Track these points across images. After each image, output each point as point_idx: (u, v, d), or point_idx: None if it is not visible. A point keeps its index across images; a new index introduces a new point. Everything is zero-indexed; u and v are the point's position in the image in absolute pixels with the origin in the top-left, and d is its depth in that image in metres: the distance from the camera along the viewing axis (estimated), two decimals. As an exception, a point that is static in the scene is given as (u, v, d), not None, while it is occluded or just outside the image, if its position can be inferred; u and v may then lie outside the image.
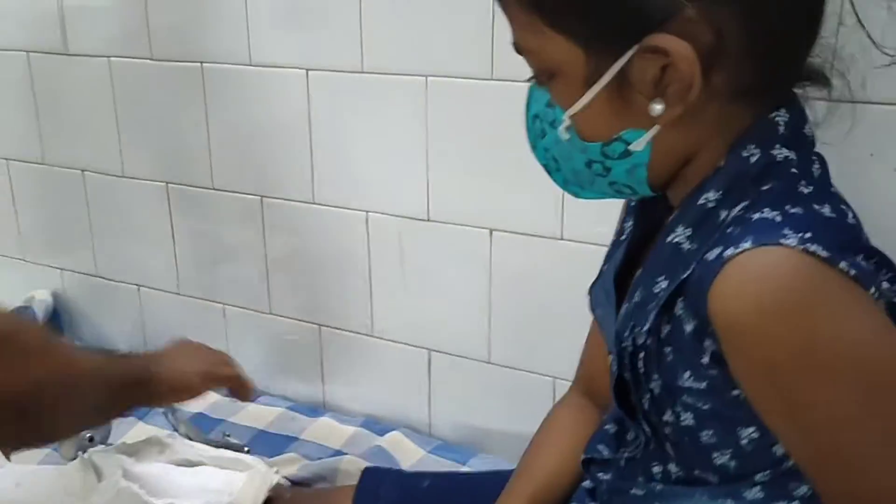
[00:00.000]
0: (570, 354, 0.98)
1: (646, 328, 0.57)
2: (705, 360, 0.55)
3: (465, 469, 1.04)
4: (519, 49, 0.59)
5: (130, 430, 1.15)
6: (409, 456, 1.07)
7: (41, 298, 1.41)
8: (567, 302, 0.98)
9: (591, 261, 0.91)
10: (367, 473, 0.86)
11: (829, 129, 0.60)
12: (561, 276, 0.97)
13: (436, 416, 1.13)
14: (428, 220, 1.04)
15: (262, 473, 0.89)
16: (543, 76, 0.59)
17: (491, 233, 1.01)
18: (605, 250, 0.82)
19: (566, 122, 0.58)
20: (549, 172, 0.64)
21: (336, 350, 1.18)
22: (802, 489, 0.59)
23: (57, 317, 1.43)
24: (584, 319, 0.83)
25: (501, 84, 0.94)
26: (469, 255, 1.03)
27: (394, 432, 1.11)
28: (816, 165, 0.57)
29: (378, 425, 1.15)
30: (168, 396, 0.87)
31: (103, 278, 1.38)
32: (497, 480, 0.83)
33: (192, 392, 0.89)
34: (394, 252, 1.08)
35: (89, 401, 0.72)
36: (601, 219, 0.76)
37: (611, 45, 0.54)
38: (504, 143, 0.95)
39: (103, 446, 1.01)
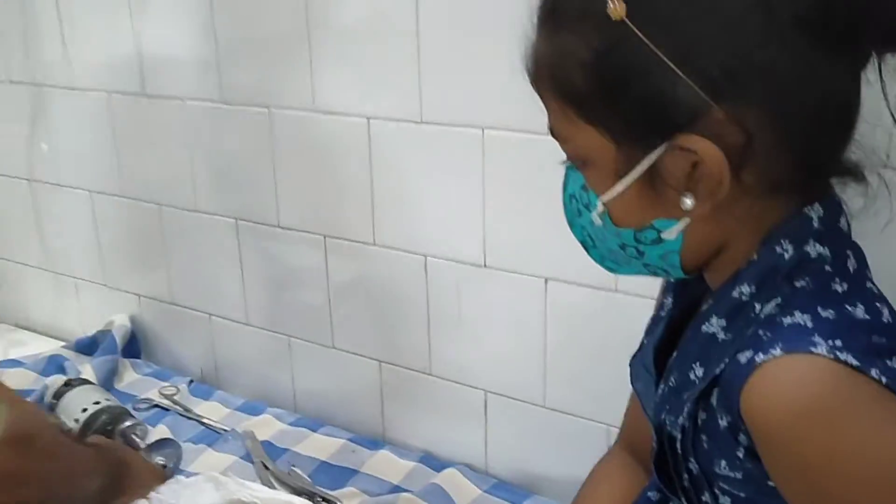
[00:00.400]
0: (621, 402, 1.00)
1: (681, 419, 0.59)
2: (740, 453, 0.56)
3: (519, 510, 1.06)
4: (554, 134, 0.61)
5: (200, 456, 1.21)
6: (465, 494, 1.10)
7: (120, 323, 1.49)
8: (620, 351, 0.99)
9: (643, 312, 0.92)
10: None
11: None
12: (614, 326, 0.98)
13: (492, 455, 1.15)
14: (484, 267, 1.07)
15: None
16: (577, 162, 0.60)
17: (546, 282, 1.02)
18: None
19: (599, 207, 0.60)
20: (586, 249, 0.66)
21: (395, 386, 1.22)
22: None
23: (134, 339, 1.51)
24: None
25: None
26: (524, 302, 1.05)
27: (451, 469, 1.14)
28: (852, 260, 0.57)
29: (435, 461, 1.18)
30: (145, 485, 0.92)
31: (178, 305, 1.44)
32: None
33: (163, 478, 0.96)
34: (451, 295, 1.11)
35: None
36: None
37: (641, 141, 0.55)
38: (559, 195, 0.98)
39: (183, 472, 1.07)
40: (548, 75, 0.58)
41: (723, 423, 0.56)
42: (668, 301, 0.70)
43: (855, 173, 0.57)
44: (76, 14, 1.37)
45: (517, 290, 1.05)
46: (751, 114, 0.52)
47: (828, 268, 0.56)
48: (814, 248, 0.56)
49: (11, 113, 1.51)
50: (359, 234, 1.17)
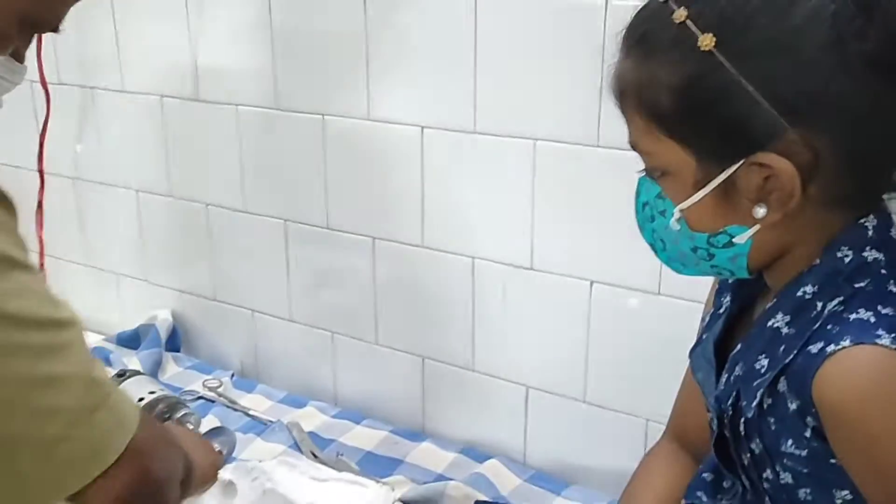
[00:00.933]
0: (662, 399, 1.06)
1: (754, 403, 0.66)
2: (807, 434, 0.63)
3: (559, 501, 1.13)
4: (635, 148, 0.68)
5: (249, 445, 1.27)
6: (507, 483, 1.16)
7: (163, 317, 1.55)
8: (661, 351, 1.06)
9: (685, 315, 1.00)
10: (479, 504, 0.96)
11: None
12: (656, 328, 1.06)
13: (531, 448, 1.22)
14: (531, 269, 1.14)
15: (386, 489, 0.99)
16: (656, 173, 0.68)
17: (591, 284, 1.09)
18: (698, 306, 0.90)
19: (676, 214, 0.67)
20: (655, 251, 0.73)
21: (437, 381, 1.29)
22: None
23: (176, 334, 1.57)
24: (676, 368, 0.92)
25: (606, 151, 1.03)
26: (569, 303, 1.12)
27: (492, 460, 1.21)
28: None
29: (476, 452, 1.25)
30: (194, 490, 0.95)
31: (220, 301, 1.50)
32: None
33: (205, 484, 1.01)
34: (497, 295, 1.18)
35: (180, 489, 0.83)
36: (697, 278, 0.84)
37: (720, 157, 0.63)
38: (606, 203, 1.05)
39: (234, 460, 1.13)
40: (635, 95, 0.65)
41: (792, 406, 0.63)
42: (726, 299, 0.78)
43: None
44: (131, 17, 1.43)
45: (563, 292, 1.12)
46: (821, 137, 0.60)
47: (883, 271, 0.63)
48: (870, 254, 0.64)
49: (60, 113, 1.56)
50: (407, 236, 1.24)
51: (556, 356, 1.16)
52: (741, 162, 0.62)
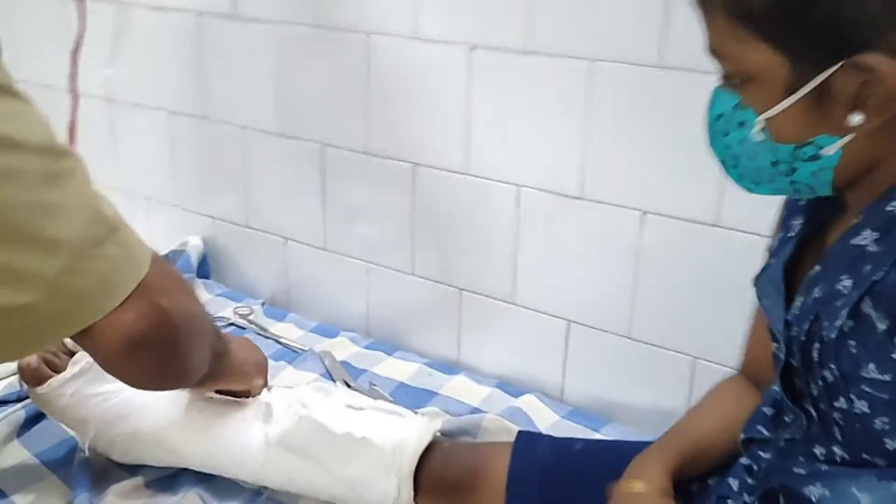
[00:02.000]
0: (713, 337, 1.03)
1: (837, 324, 0.62)
2: (895, 355, 0.59)
3: (598, 436, 1.10)
4: (714, 53, 0.63)
5: (281, 373, 1.24)
6: (544, 419, 1.13)
7: (194, 244, 1.52)
8: (715, 287, 1.02)
9: (743, 249, 0.95)
10: (522, 435, 0.92)
11: None
12: (712, 262, 1.01)
13: (569, 384, 1.19)
14: (580, 199, 1.09)
15: (427, 420, 0.96)
16: (737, 80, 0.62)
17: (643, 214, 1.05)
18: (757, 240, 0.85)
19: (761, 124, 0.62)
20: (725, 168, 0.68)
21: (474, 314, 1.25)
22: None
23: (206, 262, 1.54)
24: (729, 305, 0.88)
25: (669, 72, 0.97)
26: (619, 235, 1.07)
27: (528, 395, 1.18)
28: None
29: (511, 387, 1.22)
30: (229, 377, 0.95)
31: (252, 228, 1.47)
32: (642, 447, 0.88)
33: (247, 379, 0.99)
34: (542, 225, 1.13)
35: (207, 350, 0.81)
36: (761, 209, 0.79)
37: (818, 58, 0.57)
38: (667, 128, 1.00)
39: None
40: None
41: (881, 326, 0.59)
42: (797, 222, 0.73)
43: None
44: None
45: (613, 222, 1.07)
46: None
47: None
48: None
49: (93, 31, 1.52)
50: (450, 162, 1.19)
51: (601, 290, 1.12)
52: (840, 63, 0.56)
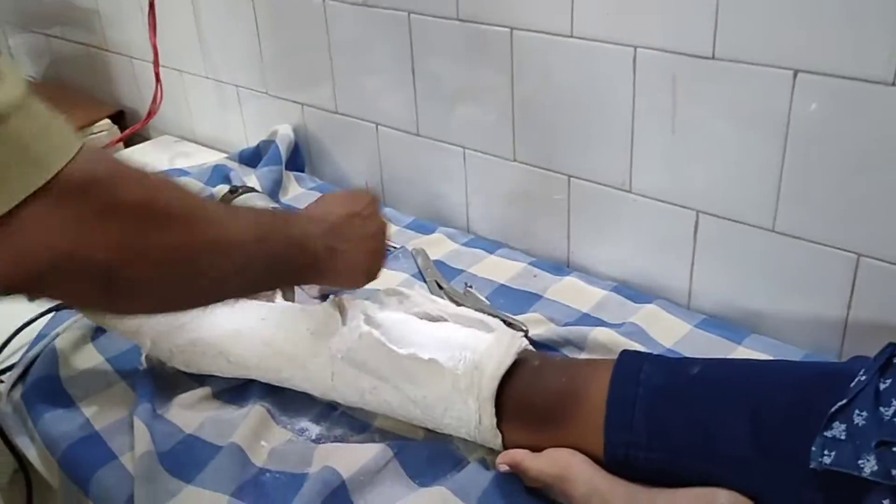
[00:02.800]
0: (881, 228, 0.81)
1: None
2: None
3: (740, 351, 0.91)
4: None
5: (370, 273, 1.12)
6: (671, 332, 0.95)
7: (283, 133, 1.40)
8: (887, 164, 0.79)
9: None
10: (625, 356, 0.75)
11: None
12: (883, 130, 0.78)
13: (698, 288, 1.00)
14: (712, 59, 0.87)
15: (510, 335, 0.81)
16: None
17: (795, 75, 0.82)
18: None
19: None
20: None
21: (586, 205, 1.07)
22: None
23: (298, 153, 1.42)
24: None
25: None
26: (762, 101, 0.85)
27: (650, 304, 1.00)
28: None
29: (629, 291, 1.04)
30: (327, 272, 0.76)
31: (343, 115, 1.33)
32: (790, 372, 0.70)
33: (352, 270, 0.80)
34: (665, 96, 0.92)
35: (243, 273, 0.64)
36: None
37: None
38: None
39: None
40: None
41: None
42: None
43: None
44: None
45: (754, 86, 0.85)
46: None
47: None
48: None
49: None
50: (553, 23, 0.99)
51: (738, 173, 0.90)
52: None
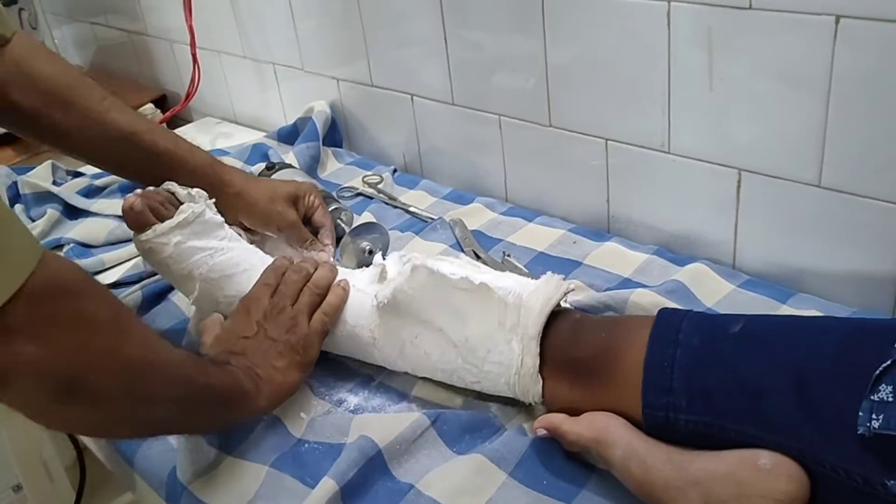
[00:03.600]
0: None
1: None
2: None
3: (784, 310, 0.88)
4: None
5: (407, 244, 1.12)
6: (714, 291, 0.93)
7: (320, 109, 1.40)
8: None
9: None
10: (663, 314, 0.73)
11: None
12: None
13: (742, 248, 0.97)
14: (749, 9, 0.84)
15: (557, 278, 0.80)
16: None
17: (837, 20, 0.78)
18: None
19: None
20: None
21: (625, 168, 1.04)
22: None
23: (335, 129, 1.42)
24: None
25: None
26: (804, 50, 0.81)
27: (694, 263, 0.97)
28: None
29: (672, 254, 1.02)
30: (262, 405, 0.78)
31: (378, 87, 1.32)
32: (835, 329, 0.67)
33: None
34: (701, 50, 0.89)
35: (183, 403, 0.65)
36: None
37: None
38: None
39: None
40: None
41: None
42: None
43: None
44: None
45: (793, 34, 0.81)
46: None
47: None
48: None
49: None
50: (584, -18, 0.96)
51: (780, 128, 0.87)
52: None
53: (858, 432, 0.58)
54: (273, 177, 1.20)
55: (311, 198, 1.06)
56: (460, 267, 0.86)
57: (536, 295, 0.77)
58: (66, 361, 0.52)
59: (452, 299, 0.78)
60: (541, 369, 0.75)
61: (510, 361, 0.76)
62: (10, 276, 0.47)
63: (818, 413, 0.61)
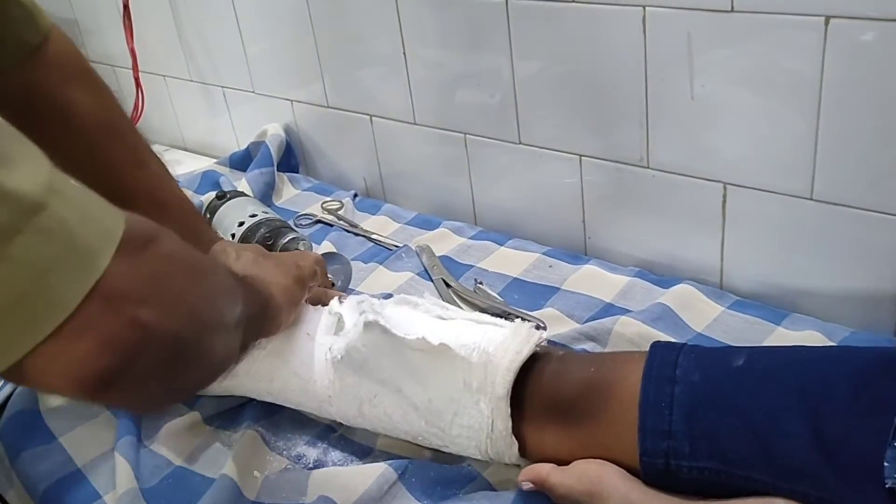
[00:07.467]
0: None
1: None
2: None
3: (780, 332, 0.82)
4: None
5: (370, 275, 1.04)
6: (702, 314, 0.86)
7: (274, 133, 1.32)
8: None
9: None
10: (657, 349, 0.66)
11: None
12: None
13: (730, 267, 0.91)
14: (731, 11, 0.78)
15: (527, 327, 0.72)
16: None
17: (827, 21, 0.72)
18: None
19: None
20: None
21: (601, 185, 0.98)
22: None
23: (291, 153, 1.34)
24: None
25: None
26: (791, 54, 0.76)
27: (679, 284, 0.91)
28: None
29: (655, 275, 0.95)
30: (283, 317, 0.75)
31: (335, 108, 1.25)
32: (847, 360, 0.61)
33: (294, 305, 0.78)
34: (679, 59, 0.83)
35: (234, 335, 0.59)
36: None
37: None
38: None
39: (352, 291, 0.90)
40: None
41: None
42: None
43: None
44: None
45: (780, 38, 0.76)
46: None
47: None
48: None
49: None
50: (551, -12, 0.90)
51: (766, 137, 0.81)
52: None
53: (886, 486, 0.51)
54: (224, 207, 1.12)
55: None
56: (425, 311, 0.78)
57: (503, 349, 0.69)
58: (178, 317, 0.48)
59: (410, 361, 0.70)
60: (521, 419, 0.67)
61: (480, 425, 0.68)
62: (105, 237, 0.44)
63: (837, 457, 0.55)
